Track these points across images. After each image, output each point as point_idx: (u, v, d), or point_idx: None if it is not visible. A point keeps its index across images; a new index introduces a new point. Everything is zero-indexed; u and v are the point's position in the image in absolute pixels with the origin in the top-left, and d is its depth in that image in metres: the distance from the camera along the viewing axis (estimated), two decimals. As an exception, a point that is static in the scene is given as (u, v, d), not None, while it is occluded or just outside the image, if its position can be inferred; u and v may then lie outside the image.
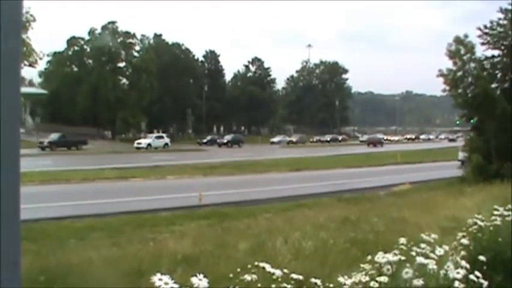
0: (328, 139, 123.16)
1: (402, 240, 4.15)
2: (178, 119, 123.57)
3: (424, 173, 39.68)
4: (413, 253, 3.94)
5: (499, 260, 5.16)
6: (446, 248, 4.21)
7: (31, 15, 16.35)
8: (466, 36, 36.58)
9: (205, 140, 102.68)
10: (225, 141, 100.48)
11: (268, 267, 3.35)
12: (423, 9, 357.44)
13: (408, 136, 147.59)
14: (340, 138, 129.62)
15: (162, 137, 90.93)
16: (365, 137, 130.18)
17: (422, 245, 4.11)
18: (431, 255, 3.92)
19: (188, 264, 9.51)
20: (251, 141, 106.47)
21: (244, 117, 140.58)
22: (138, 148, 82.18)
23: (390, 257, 3.78)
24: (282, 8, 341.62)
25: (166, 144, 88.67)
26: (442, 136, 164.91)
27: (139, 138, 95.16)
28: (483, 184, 25.88)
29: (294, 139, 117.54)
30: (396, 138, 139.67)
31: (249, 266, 3.40)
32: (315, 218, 15.14)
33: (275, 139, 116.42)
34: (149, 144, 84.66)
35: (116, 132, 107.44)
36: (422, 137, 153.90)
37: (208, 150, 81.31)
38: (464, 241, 4.89)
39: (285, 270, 3.42)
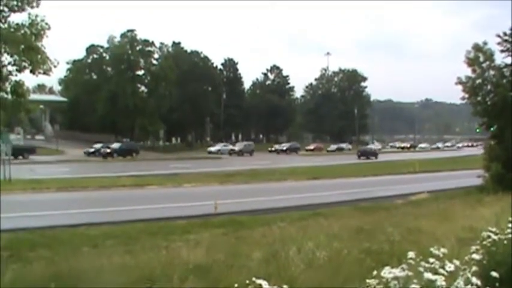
0: (285, 148, 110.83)
1: (411, 254, 3.98)
2: (197, 127, 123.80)
3: (442, 182, 39.33)
4: (421, 268, 3.78)
5: (514, 276, 4.97)
6: (457, 263, 4.03)
7: (46, 24, 16.51)
8: (485, 43, 36.27)
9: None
10: (109, 151, 79.33)
11: (265, 285, 3.16)
12: (442, 17, 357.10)
13: (402, 145, 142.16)
14: (313, 147, 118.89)
15: None
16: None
17: (431, 260, 3.95)
18: (441, 270, 3.77)
19: (200, 273, 9.39)
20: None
21: (262, 125, 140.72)
22: None
23: (397, 272, 3.64)
24: (301, 16, 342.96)
25: None
26: (449, 144, 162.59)
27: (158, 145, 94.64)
28: (502, 193, 25.52)
29: (236, 148, 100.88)
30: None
31: (247, 282, 3.25)
32: (330, 227, 14.98)
33: (213, 148, 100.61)
34: None
35: (135, 140, 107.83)
36: (422, 145, 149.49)
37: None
38: (476, 256, 4.70)
39: (285, 287, 3.24)
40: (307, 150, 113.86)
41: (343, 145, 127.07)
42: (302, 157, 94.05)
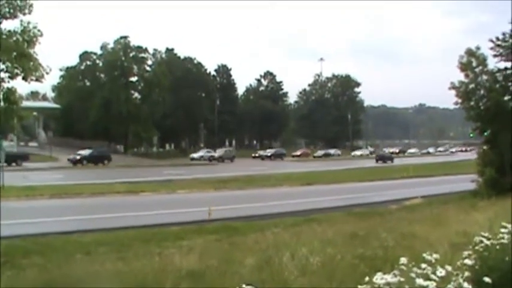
0: (269, 154, 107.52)
1: (403, 260, 3.96)
2: (191, 133, 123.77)
3: (436, 187, 39.34)
4: (413, 274, 3.75)
5: (506, 281, 4.93)
6: (449, 268, 4.00)
7: (38, 31, 16.49)
8: (478, 48, 36.34)
9: None
10: (78, 158, 75.34)
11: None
12: (435, 22, 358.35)
13: (391, 150, 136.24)
14: (299, 153, 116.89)
15: None
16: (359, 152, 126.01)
17: (423, 265, 3.93)
18: (433, 276, 3.74)
19: (193, 280, 9.38)
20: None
21: (256, 131, 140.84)
22: None
23: (389, 278, 3.62)
24: (295, 21, 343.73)
25: None
26: (442, 149, 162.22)
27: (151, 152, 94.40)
28: (496, 198, 25.55)
29: (216, 154, 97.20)
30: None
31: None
32: (324, 233, 14.96)
33: (196, 154, 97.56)
34: None
35: (128, 147, 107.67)
36: (411, 151, 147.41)
37: None
38: (468, 261, 4.66)
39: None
40: (293, 156, 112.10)
41: (332, 151, 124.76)
42: (287, 163, 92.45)
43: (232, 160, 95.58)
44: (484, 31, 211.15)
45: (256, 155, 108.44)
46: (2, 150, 39.36)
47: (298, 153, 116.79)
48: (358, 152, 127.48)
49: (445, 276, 3.81)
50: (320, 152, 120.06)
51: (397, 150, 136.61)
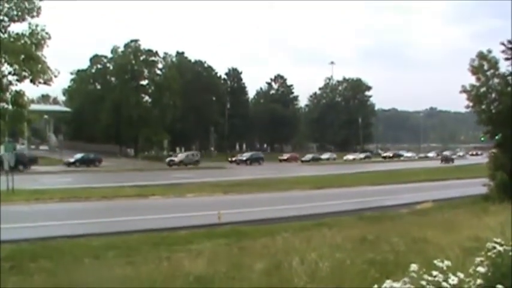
0: (244, 158, 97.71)
1: (413, 266, 3.84)
2: (201, 137, 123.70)
3: (446, 191, 39.05)
4: (424, 282, 3.63)
5: (520, 289, 4.80)
6: (461, 275, 3.89)
7: (46, 33, 16.47)
8: (489, 51, 36.10)
9: None
10: None
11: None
12: (446, 26, 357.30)
13: (385, 154, 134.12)
14: (286, 157, 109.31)
15: None
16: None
17: (435, 273, 3.81)
18: (444, 284, 3.62)
19: (201, 285, 9.30)
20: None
21: (266, 134, 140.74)
22: None
23: (398, 286, 3.50)
24: (305, 25, 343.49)
25: None
26: (448, 153, 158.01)
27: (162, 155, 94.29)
28: (508, 202, 25.30)
29: (176, 159, 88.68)
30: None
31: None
32: (333, 238, 14.83)
33: (175, 159, 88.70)
34: None
35: (139, 150, 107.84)
36: (408, 154, 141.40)
37: None
38: (481, 268, 4.53)
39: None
40: (280, 160, 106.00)
41: (326, 155, 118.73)
42: (264, 168, 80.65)
43: (196, 165, 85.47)
44: (494, 35, 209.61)
45: (233, 159, 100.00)
46: (13, 154, 39.49)
47: (285, 157, 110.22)
48: (350, 156, 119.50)
49: (457, 284, 3.70)
50: (308, 156, 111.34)
51: (391, 154, 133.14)
